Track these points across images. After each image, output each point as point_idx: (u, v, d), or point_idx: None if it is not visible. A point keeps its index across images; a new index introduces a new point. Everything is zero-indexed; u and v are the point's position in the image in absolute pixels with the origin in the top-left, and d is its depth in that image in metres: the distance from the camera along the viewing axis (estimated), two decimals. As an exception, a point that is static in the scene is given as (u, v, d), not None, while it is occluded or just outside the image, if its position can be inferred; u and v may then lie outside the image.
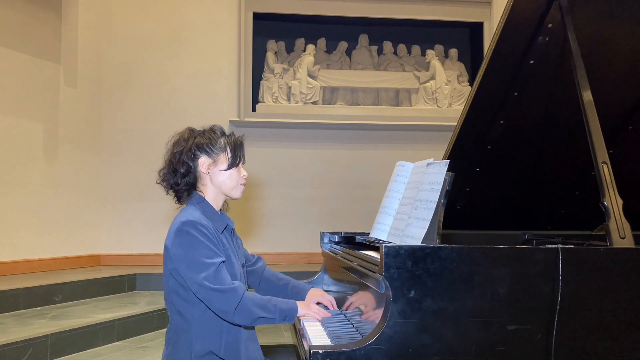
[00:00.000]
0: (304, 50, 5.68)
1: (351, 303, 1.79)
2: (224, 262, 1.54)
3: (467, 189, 2.33)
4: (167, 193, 1.68)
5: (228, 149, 1.64)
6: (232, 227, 1.73)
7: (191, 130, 1.68)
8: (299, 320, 1.71)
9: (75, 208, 4.92)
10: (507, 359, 1.37)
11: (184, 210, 1.62)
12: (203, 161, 1.62)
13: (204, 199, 1.65)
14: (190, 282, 1.51)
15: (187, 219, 1.55)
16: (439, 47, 5.88)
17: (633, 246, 1.52)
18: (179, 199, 1.67)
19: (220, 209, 1.71)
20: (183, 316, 1.56)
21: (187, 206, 1.65)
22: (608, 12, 1.99)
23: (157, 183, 1.68)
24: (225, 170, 1.64)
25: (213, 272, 1.49)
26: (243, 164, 1.69)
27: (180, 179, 1.62)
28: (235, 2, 5.44)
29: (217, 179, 1.64)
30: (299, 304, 1.64)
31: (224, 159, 1.64)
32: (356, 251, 1.85)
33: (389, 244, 1.37)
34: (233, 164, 1.65)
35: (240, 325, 1.59)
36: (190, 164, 1.61)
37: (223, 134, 1.67)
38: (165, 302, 1.63)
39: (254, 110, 5.50)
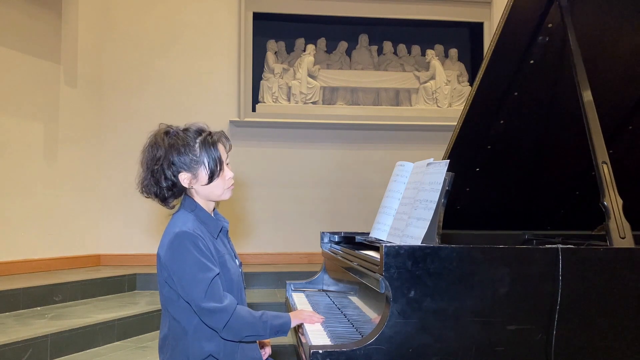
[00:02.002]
0: (304, 50, 5.68)
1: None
2: (218, 274, 1.51)
3: (467, 189, 2.33)
4: (148, 198, 1.61)
5: (205, 162, 1.55)
6: (227, 229, 1.70)
7: (167, 134, 1.57)
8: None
9: (75, 208, 4.92)
10: (507, 359, 1.37)
11: (177, 218, 1.58)
12: (184, 177, 1.56)
13: (197, 204, 1.60)
14: (183, 294, 1.50)
15: (180, 229, 1.51)
16: (439, 47, 5.88)
17: (633, 246, 1.52)
18: (166, 204, 1.61)
19: (214, 208, 1.69)
20: (180, 323, 1.55)
21: (180, 212, 1.60)
22: (608, 12, 1.99)
23: (138, 191, 1.60)
24: (205, 185, 1.57)
25: (205, 288, 1.46)
26: (227, 164, 1.61)
27: (166, 191, 1.57)
28: (235, 2, 5.44)
29: (202, 191, 1.59)
30: (291, 315, 1.63)
31: (203, 173, 1.56)
32: (356, 251, 1.85)
33: (389, 244, 1.37)
34: (212, 178, 1.57)
35: None
36: (173, 179, 1.55)
37: (198, 139, 1.56)
38: (161, 308, 1.62)
39: (254, 110, 5.49)
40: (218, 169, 1.57)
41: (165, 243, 1.53)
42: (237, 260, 1.70)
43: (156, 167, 1.55)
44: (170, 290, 1.54)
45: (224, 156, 1.60)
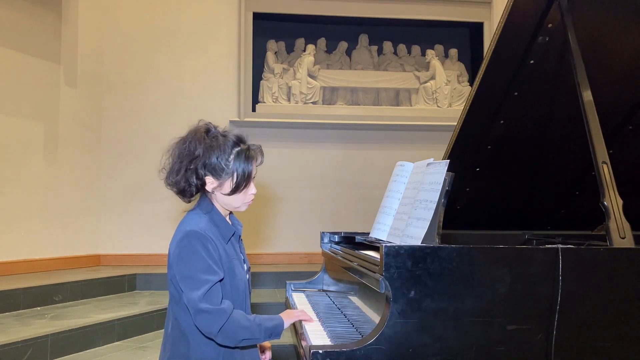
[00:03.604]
0: (304, 50, 5.68)
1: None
2: (221, 280, 1.51)
3: (467, 189, 2.33)
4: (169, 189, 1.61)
5: (234, 175, 1.54)
6: (240, 233, 1.69)
7: (207, 133, 1.56)
8: (299, 320, 1.70)
9: (75, 208, 4.92)
10: (507, 359, 1.37)
11: (191, 217, 1.57)
12: (210, 181, 1.55)
13: (213, 207, 1.60)
14: (183, 294, 1.50)
15: (192, 228, 1.51)
16: (439, 47, 5.88)
17: (633, 246, 1.52)
18: (186, 199, 1.61)
19: (230, 212, 1.68)
20: (181, 325, 1.55)
21: (195, 211, 1.60)
22: (608, 12, 1.99)
23: (163, 182, 1.59)
24: (227, 194, 1.57)
25: (205, 291, 1.45)
26: (253, 178, 1.60)
27: (194, 189, 1.57)
28: (235, 2, 5.44)
29: (221, 199, 1.59)
30: (283, 316, 1.61)
31: (228, 184, 1.55)
32: (356, 251, 1.85)
33: (389, 244, 1.37)
34: (235, 191, 1.56)
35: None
36: (204, 179, 1.55)
37: (235, 149, 1.54)
38: (168, 306, 1.62)
39: (254, 110, 5.50)
40: (244, 185, 1.56)
41: (176, 240, 1.53)
42: (245, 265, 1.69)
43: (192, 165, 1.53)
44: (175, 289, 1.54)
45: (253, 173, 1.58)
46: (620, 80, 2.15)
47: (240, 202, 1.60)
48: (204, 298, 1.45)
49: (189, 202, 1.62)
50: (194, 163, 1.53)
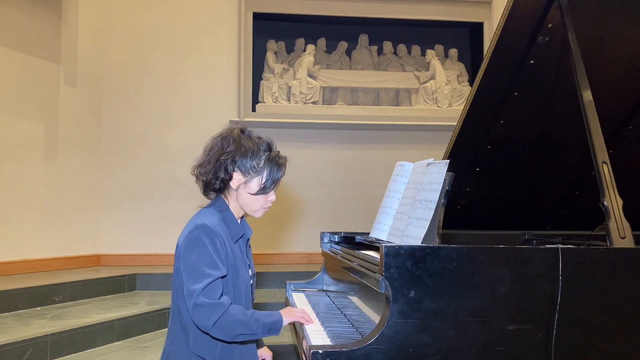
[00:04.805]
0: (304, 50, 5.68)
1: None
2: (223, 277, 1.52)
3: (467, 189, 2.33)
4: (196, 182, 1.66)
5: (264, 175, 1.60)
6: (248, 237, 1.70)
7: (242, 133, 1.63)
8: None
9: (76, 208, 4.92)
10: (507, 359, 1.37)
11: (203, 213, 1.60)
12: (237, 177, 1.59)
13: (228, 207, 1.63)
14: (184, 285, 1.50)
15: (202, 222, 1.53)
16: (439, 47, 5.88)
17: (633, 246, 1.52)
18: (208, 193, 1.65)
19: (242, 216, 1.69)
20: (182, 317, 1.55)
21: (208, 209, 1.62)
22: (608, 12, 1.99)
23: (191, 174, 1.64)
24: (252, 194, 1.61)
25: (206, 284, 1.46)
26: (275, 189, 1.65)
27: (219, 183, 1.60)
28: (235, 2, 5.44)
29: (242, 198, 1.62)
30: (282, 313, 1.60)
31: (256, 184, 1.60)
32: (356, 251, 1.85)
33: (389, 244, 1.37)
34: (262, 192, 1.61)
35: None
36: (231, 174, 1.59)
37: (267, 152, 1.62)
38: (171, 301, 1.63)
39: (254, 110, 5.50)
40: (270, 187, 1.62)
41: (185, 233, 1.55)
42: (250, 271, 1.69)
43: (222, 157, 1.58)
44: (182, 282, 1.54)
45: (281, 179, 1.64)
46: (620, 81, 2.15)
47: (260, 205, 1.64)
48: (203, 292, 1.46)
49: (209, 198, 1.66)
50: (224, 157, 1.58)
